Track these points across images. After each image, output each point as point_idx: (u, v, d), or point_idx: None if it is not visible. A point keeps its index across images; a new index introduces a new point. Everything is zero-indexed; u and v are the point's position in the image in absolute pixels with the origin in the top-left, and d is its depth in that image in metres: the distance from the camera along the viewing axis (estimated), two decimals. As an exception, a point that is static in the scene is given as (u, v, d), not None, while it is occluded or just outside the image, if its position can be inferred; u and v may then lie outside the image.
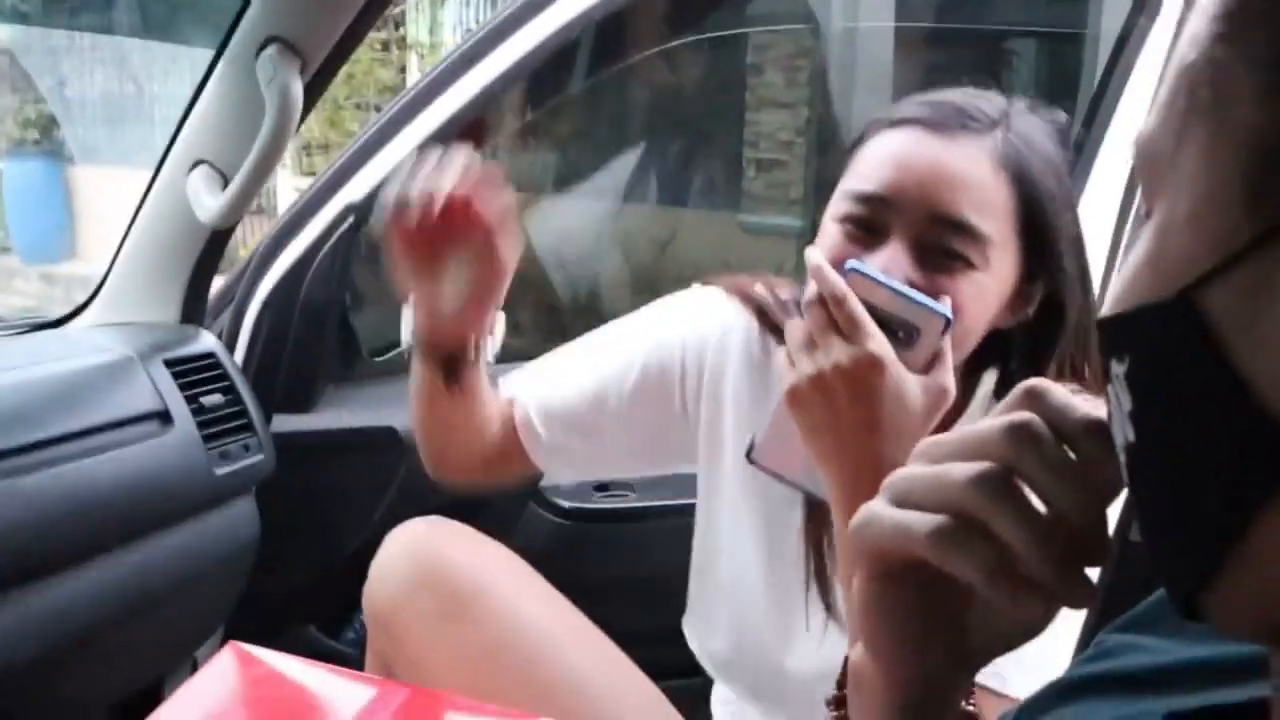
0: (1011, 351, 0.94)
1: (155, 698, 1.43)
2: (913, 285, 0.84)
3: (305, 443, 1.52)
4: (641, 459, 1.13)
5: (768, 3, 2.19)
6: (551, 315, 2.13)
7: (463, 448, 1.08)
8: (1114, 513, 0.86)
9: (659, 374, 1.05)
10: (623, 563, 1.59)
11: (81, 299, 1.49)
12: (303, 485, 1.50)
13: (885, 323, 0.80)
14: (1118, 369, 0.39)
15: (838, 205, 0.89)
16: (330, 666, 0.75)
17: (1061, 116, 0.95)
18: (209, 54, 1.27)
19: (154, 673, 1.42)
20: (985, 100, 0.90)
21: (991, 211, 0.86)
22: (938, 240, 0.85)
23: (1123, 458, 0.41)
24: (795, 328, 0.82)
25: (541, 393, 1.09)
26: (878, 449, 0.79)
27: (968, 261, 0.85)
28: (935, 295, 0.83)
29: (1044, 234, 0.89)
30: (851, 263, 0.82)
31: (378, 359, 1.67)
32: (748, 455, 0.87)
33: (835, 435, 0.80)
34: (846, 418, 0.79)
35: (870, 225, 0.87)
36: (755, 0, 2.16)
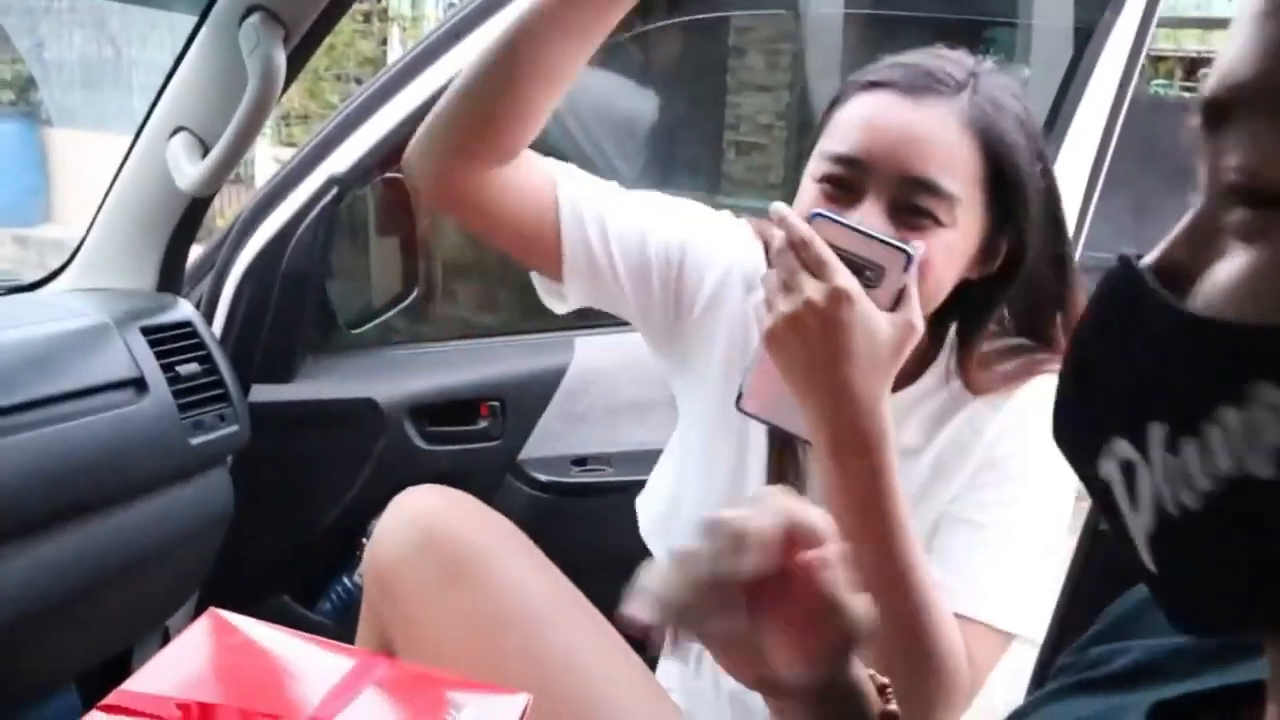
0: (974, 299, 0.99)
1: (124, 667, 1.43)
2: None
3: (284, 413, 1.52)
4: (628, 313, 1.11)
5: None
6: (525, 294, 2.13)
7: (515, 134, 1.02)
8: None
9: (684, 261, 1.07)
10: (599, 537, 1.59)
11: (56, 264, 1.48)
12: (281, 455, 1.50)
13: (852, 265, 0.84)
14: (1275, 394, 0.34)
15: (815, 164, 0.94)
16: (309, 636, 0.76)
17: (1025, 72, 1.00)
18: (189, 20, 1.26)
19: (123, 642, 1.42)
20: (953, 62, 0.94)
21: (959, 172, 0.90)
22: (909, 199, 0.90)
23: (1205, 483, 0.37)
24: (769, 276, 0.86)
25: (594, 200, 1.06)
26: (852, 378, 0.83)
27: (936, 219, 0.90)
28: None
29: (1010, 191, 0.93)
30: (815, 210, 0.87)
31: (354, 331, 1.67)
32: (737, 404, 0.91)
33: (811, 368, 0.84)
34: (820, 351, 0.83)
35: (846, 185, 0.91)
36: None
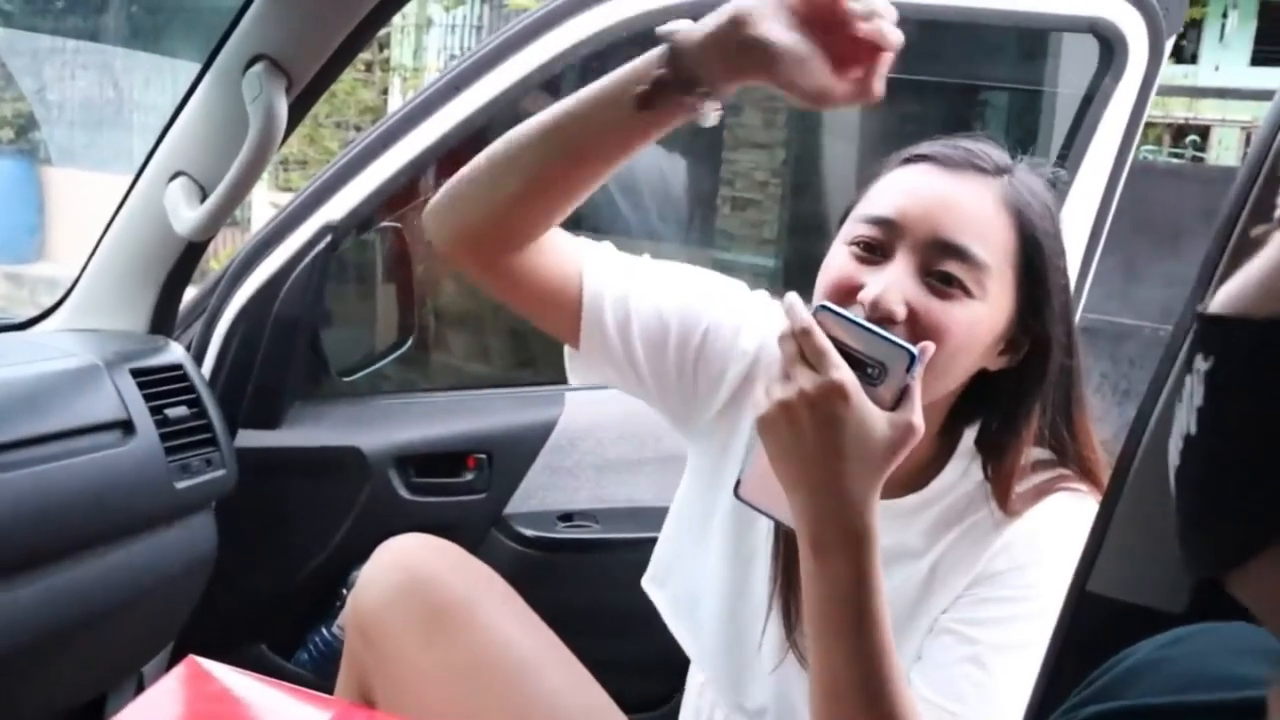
0: (994, 403, 0.96)
1: (98, 714, 1.41)
2: (910, 306, 0.89)
3: (269, 459, 1.51)
4: (648, 398, 1.10)
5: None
6: (520, 342, 2.13)
7: (552, 207, 0.99)
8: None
9: (703, 350, 1.05)
10: (584, 594, 1.58)
11: (48, 302, 1.48)
12: (265, 501, 1.49)
13: (854, 360, 0.83)
14: (1201, 364, 0.42)
15: (849, 228, 0.94)
16: (286, 685, 0.75)
17: (1062, 174, 1.02)
18: (192, 66, 1.27)
19: (98, 688, 1.40)
20: (993, 149, 0.96)
21: (992, 244, 0.90)
22: (939, 263, 0.89)
23: (1178, 443, 0.43)
24: (770, 363, 0.85)
25: (618, 288, 1.04)
26: (840, 475, 0.81)
27: (965, 288, 0.89)
28: (931, 317, 0.88)
29: (1040, 278, 0.93)
30: (821, 302, 0.86)
31: (347, 379, 1.66)
32: (735, 491, 0.90)
33: (799, 460, 0.82)
34: (810, 444, 0.81)
35: (877, 247, 0.91)
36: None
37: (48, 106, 6.89)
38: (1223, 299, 0.42)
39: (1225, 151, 8.41)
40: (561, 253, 1.02)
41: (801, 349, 0.82)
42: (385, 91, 7.19)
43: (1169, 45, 1.70)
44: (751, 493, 0.89)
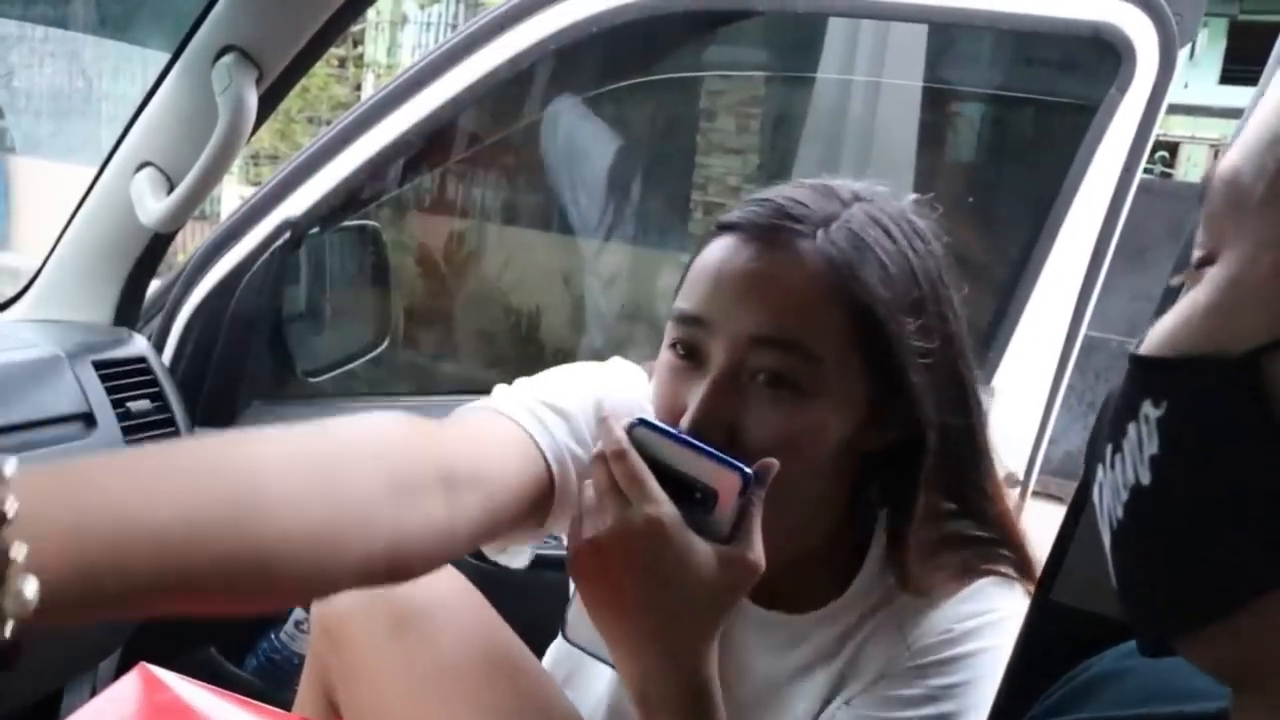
0: (887, 482, 0.84)
1: (53, 710, 1.38)
2: (737, 422, 0.75)
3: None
4: None
5: (724, 49, 2.23)
6: (491, 343, 2.13)
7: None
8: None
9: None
10: (549, 608, 1.57)
11: (11, 292, 1.46)
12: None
13: (682, 482, 0.71)
14: (1150, 410, 0.39)
15: (669, 327, 0.81)
16: (239, 698, 0.74)
17: (913, 201, 0.85)
18: (161, 55, 1.26)
19: (54, 683, 1.38)
20: (822, 195, 0.80)
21: (821, 326, 0.75)
22: (760, 362, 0.75)
23: (1124, 494, 0.41)
24: (586, 487, 0.74)
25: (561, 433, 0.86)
26: (662, 627, 0.71)
27: (797, 386, 0.75)
28: (764, 429, 0.75)
29: (888, 351, 0.77)
30: (639, 416, 0.74)
31: (313, 380, 1.64)
32: (562, 633, 0.80)
33: (616, 612, 0.72)
34: (629, 591, 0.70)
35: (693, 351, 0.78)
36: (711, 46, 2.19)
37: (13, 94, 6.79)
38: (1161, 337, 0.40)
39: (1193, 168, 8.55)
40: (505, 460, 0.76)
41: (614, 475, 0.70)
42: (359, 87, 7.15)
43: (1182, 55, 1.64)
44: (580, 633, 0.78)
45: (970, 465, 0.85)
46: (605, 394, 0.85)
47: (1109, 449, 0.42)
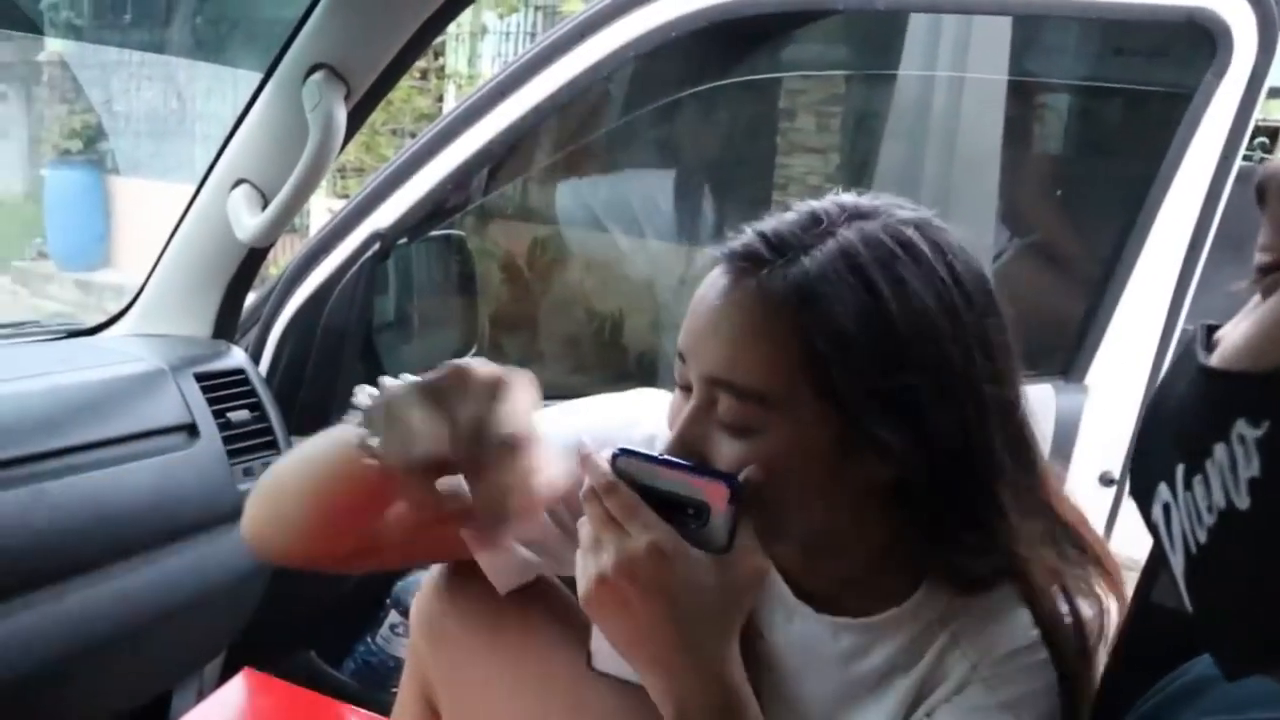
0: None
1: (163, 712, 1.43)
2: (710, 449, 0.76)
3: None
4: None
5: (803, 49, 2.21)
6: (575, 349, 2.14)
7: None
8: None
9: None
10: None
11: (115, 308, 1.51)
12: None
13: (674, 503, 0.73)
14: (1247, 430, 0.37)
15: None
16: (340, 704, 0.76)
17: (924, 215, 0.78)
18: (253, 76, 1.30)
19: (162, 686, 1.42)
20: (810, 219, 0.77)
21: (768, 368, 0.74)
22: (719, 399, 0.76)
23: (1208, 518, 0.39)
24: (582, 525, 0.76)
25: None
26: (684, 647, 0.73)
27: (747, 428, 0.75)
28: (732, 457, 0.75)
29: (841, 386, 0.73)
30: (621, 446, 0.76)
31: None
32: (589, 664, 0.83)
33: (636, 636, 0.75)
34: (643, 618, 0.73)
35: (684, 384, 0.79)
36: (790, 46, 2.17)
37: (114, 117, 7.06)
38: (1242, 352, 0.38)
39: (1294, 153, 8.21)
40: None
41: (607, 509, 0.73)
42: (440, 99, 7.25)
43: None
44: (607, 662, 0.82)
45: (986, 499, 0.78)
46: (588, 429, 0.87)
47: (1182, 469, 0.40)
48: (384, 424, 0.76)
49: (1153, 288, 1.76)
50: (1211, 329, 0.43)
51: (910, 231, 0.75)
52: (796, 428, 0.74)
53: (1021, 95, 2.00)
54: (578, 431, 0.87)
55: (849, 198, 0.79)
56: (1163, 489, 0.41)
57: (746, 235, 0.77)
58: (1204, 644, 0.42)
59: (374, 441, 0.76)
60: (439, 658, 1.07)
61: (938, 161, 2.04)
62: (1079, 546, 0.83)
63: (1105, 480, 1.80)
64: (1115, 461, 1.79)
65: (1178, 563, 0.41)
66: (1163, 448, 0.42)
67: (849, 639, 0.84)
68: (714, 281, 0.77)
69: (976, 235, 2.02)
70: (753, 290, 0.74)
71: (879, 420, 0.74)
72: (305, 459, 0.88)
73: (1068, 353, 1.88)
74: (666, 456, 0.75)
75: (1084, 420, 1.80)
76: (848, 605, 0.84)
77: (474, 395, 0.75)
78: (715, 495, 0.72)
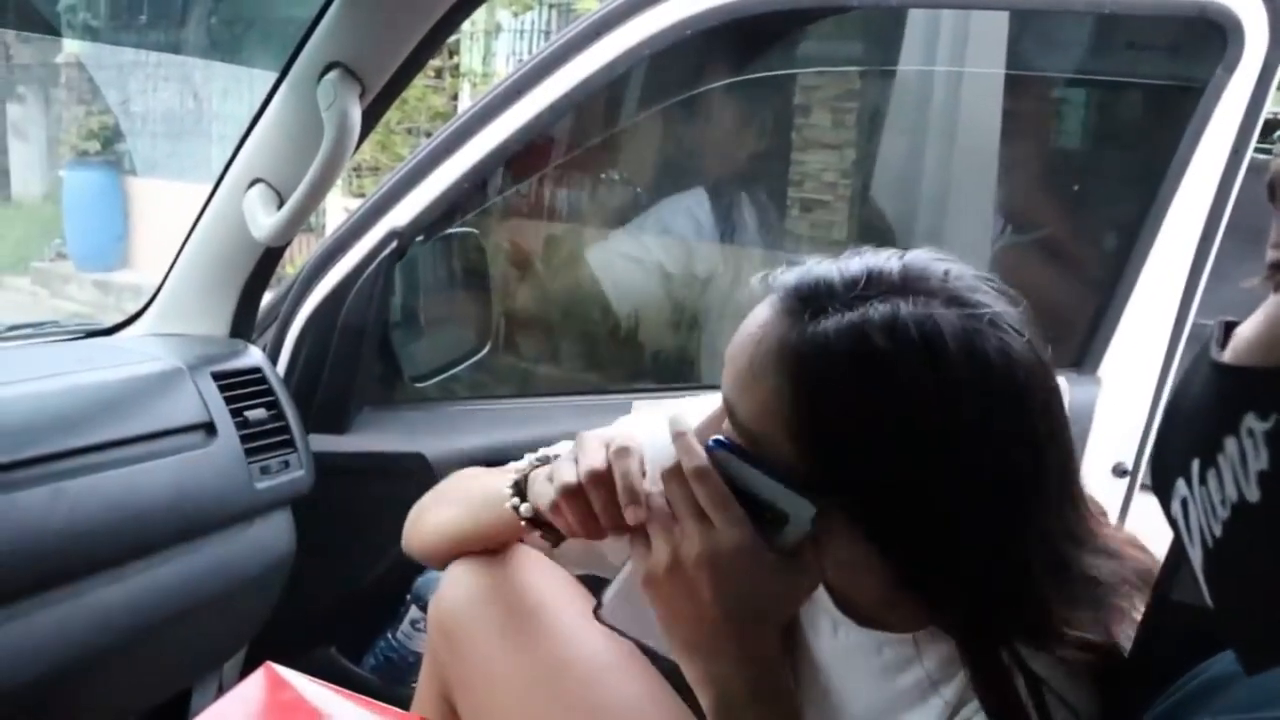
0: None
1: (183, 709, 1.44)
2: None
3: (336, 464, 1.52)
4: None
5: (818, 45, 2.20)
6: (591, 346, 2.14)
7: None
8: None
9: None
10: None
11: (133, 308, 1.52)
12: (332, 506, 1.51)
13: (753, 503, 0.74)
14: (1256, 424, 0.38)
15: None
16: (359, 698, 0.76)
17: (977, 301, 0.74)
18: (268, 75, 1.30)
19: (183, 683, 1.44)
20: (869, 276, 0.74)
21: (759, 407, 0.75)
22: (728, 421, 0.78)
23: (1222, 512, 0.40)
24: (655, 505, 0.77)
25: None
26: (736, 635, 0.75)
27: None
28: None
29: (826, 456, 0.73)
30: (716, 438, 0.76)
31: (420, 384, 1.68)
32: (596, 613, 0.83)
33: (692, 622, 0.76)
34: (706, 608, 0.74)
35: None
36: (805, 43, 2.17)
37: (131, 118, 7.10)
38: (1254, 347, 0.39)
39: (1314, 146, 8.15)
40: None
41: (696, 495, 0.73)
42: (455, 97, 7.26)
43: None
44: (615, 615, 0.82)
45: (1000, 570, 0.75)
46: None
47: (1197, 464, 0.40)
48: (530, 491, 0.93)
49: (1165, 280, 1.76)
50: (1230, 325, 0.43)
51: (950, 324, 0.71)
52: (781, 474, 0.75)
53: (1035, 90, 1.99)
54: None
55: (918, 260, 0.76)
56: (1180, 484, 0.42)
57: (797, 274, 0.77)
58: (1224, 638, 0.42)
59: (524, 509, 0.94)
60: (456, 655, 1.07)
61: (953, 156, 2.03)
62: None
63: (1119, 471, 1.80)
64: (1128, 453, 1.79)
65: (1196, 557, 0.41)
66: (1179, 443, 0.43)
67: (891, 652, 0.84)
68: (758, 309, 0.78)
69: (984, 229, 2.02)
70: (775, 334, 0.75)
71: (850, 500, 0.74)
72: (473, 511, 1.06)
73: (1081, 345, 1.88)
74: (759, 458, 0.75)
75: (1097, 412, 1.80)
76: (889, 620, 0.84)
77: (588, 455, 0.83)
78: (800, 510, 0.73)
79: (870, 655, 0.85)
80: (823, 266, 0.77)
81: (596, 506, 0.80)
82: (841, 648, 0.88)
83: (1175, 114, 1.69)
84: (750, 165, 2.30)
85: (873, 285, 0.73)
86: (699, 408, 0.84)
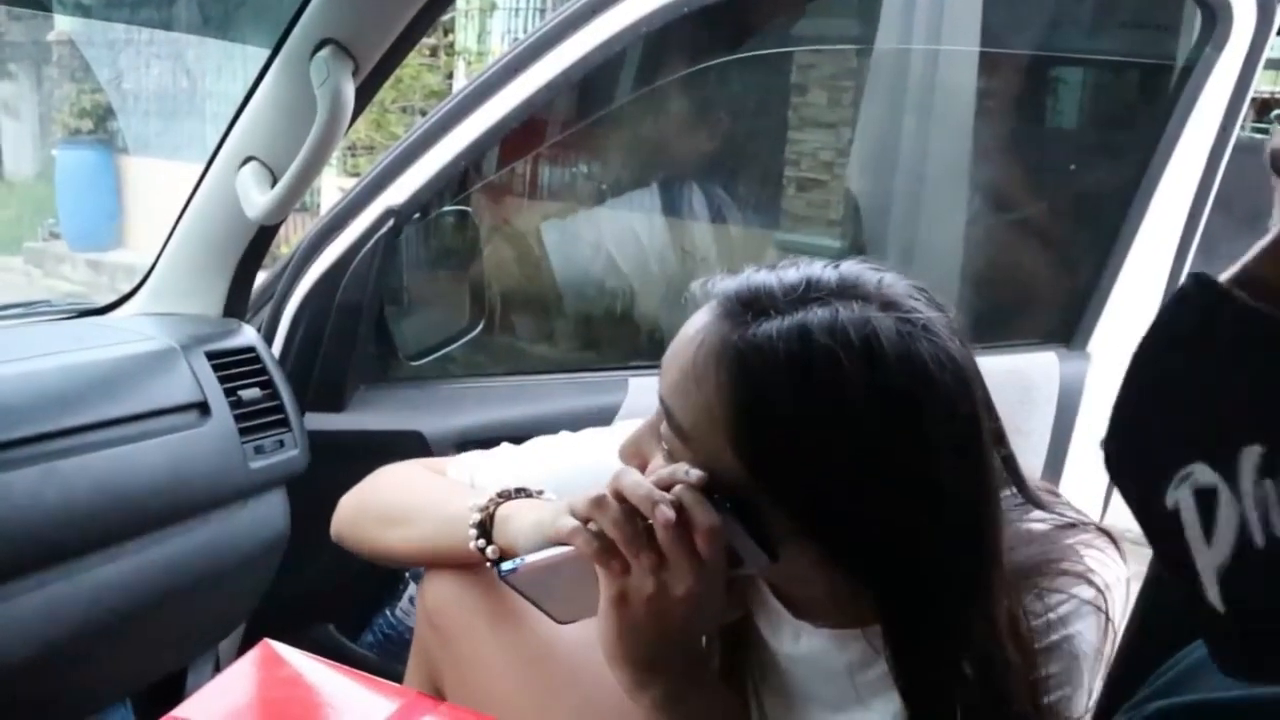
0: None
1: (178, 687, 1.44)
2: (643, 467, 0.83)
3: (332, 442, 1.52)
4: None
5: (814, 23, 2.19)
6: (587, 325, 2.14)
7: None
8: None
9: None
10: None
11: (127, 288, 1.51)
12: (329, 484, 1.50)
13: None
14: None
15: None
16: (357, 673, 0.76)
17: (912, 306, 0.76)
18: (262, 52, 1.29)
19: (178, 662, 1.44)
20: (807, 283, 0.76)
21: (698, 412, 0.77)
22: (663, 425, 0.81)
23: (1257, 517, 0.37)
24: (621, 529, 0.78)
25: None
26: (681, 654, 0.82)
27: (675, 458, 0.80)
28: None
29: (765, 457, 0.75)
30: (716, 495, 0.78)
31: (415, 363, 1.68)
32: (498, 566, 0.86)
33: (650, 646, 0.80)
34: (667, 635, 0.79)
35: None
36: (802, 20, 2.15)
37: (124, 96, 7.07)
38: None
39: (1309, 125, 8.15)
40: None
41: (690, 542, 0.75)
42: (450, 76, 7.24)
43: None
44: (523, 581, 0.85)
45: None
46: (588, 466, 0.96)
47: (1259, 453, 0.37)
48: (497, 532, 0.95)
49: (1154, 256, 1.77)
50: (1243, 281, 0.40)
51: (886, 327, 0.73)
52: (714, 476, 0.76)
53: (1026, 68, 1.99)
54: (579, 467, 1.01)
55: (853, 269, 0.78)
56: (1202, 471, 0.38)
57: (736, 282, 0.79)
58: (1229, 646, 0.40)
59: (490, 551, 0.95)
60: (442, 641, 1.08)
61: (947, 134, 2.03)
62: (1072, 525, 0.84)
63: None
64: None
65: (1215, 555, 0.38)
66: (1191, 422, 0.40)
67: (856, 649, 0.86)
68: (697, 315, 0.80)
69: (986, 209, 2.02)
70: (716, 336, 0.76)
71: (793, 505, 0.76)
72: (428, 527, 1.04)
73: (1070, 321, 1.89)
74: (731, 507, 0.76)
75: (1086, 388, 1.81)
76: (842, 617, 0.86)
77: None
78: (759, 562, 0.77)
79: (834, 655, 0.87)
80: (761, 274, 0.78)
81: (606, 524, 0.78)
82: (806, 651, 0.90)
83: (1164, 92, 1.69)
84: (746, 144, 2.29)
85: (811, 291, 0.76)
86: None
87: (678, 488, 0.76)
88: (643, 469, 0.83)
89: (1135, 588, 0.77)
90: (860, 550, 0.77)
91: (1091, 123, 2.15)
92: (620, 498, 0.78)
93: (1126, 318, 1.82)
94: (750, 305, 0.76)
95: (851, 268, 0.78)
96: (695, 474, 0.76)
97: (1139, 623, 0.70)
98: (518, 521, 0.94)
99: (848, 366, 0.72)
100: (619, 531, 0.77)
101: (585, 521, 0.79)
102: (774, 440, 0.74)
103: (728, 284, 0.79)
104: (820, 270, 0.78)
